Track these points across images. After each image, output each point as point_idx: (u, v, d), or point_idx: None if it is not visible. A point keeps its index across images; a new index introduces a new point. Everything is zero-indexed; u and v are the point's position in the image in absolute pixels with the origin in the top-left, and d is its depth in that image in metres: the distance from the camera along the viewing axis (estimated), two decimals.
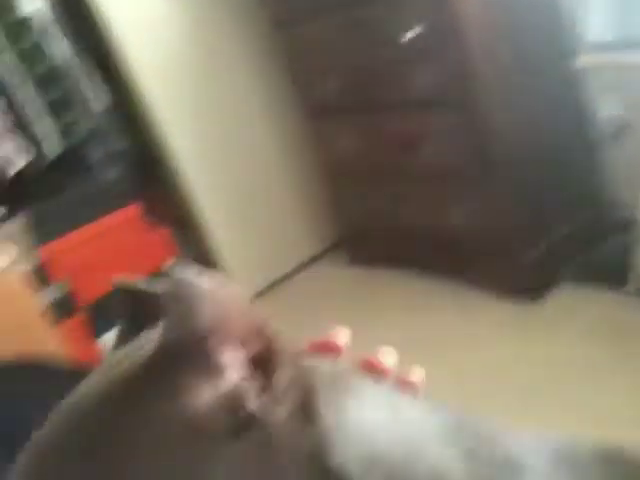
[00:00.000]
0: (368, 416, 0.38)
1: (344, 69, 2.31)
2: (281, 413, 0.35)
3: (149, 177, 2.80)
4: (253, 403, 0.35)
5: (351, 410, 0.37)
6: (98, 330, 2.53)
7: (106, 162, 2.63)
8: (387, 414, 0.39)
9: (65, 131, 2.50)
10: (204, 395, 0.34)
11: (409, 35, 1.98)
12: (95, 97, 2.56)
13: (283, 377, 0.36)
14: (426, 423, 0.40)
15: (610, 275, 2.03)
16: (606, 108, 2.19)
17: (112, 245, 2.55)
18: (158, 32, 2.53)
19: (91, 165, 2.61)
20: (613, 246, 2.11)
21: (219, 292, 0.34)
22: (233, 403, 0.34)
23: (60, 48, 2.44)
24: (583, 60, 1.95)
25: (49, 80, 2.45)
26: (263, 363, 0.36)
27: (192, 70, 2.62)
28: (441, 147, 2.10)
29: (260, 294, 2.82)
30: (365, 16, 2.13)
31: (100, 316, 2.56)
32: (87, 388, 0.36)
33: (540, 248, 2.09)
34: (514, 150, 2.04)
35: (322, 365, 0.40)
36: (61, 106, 2.49)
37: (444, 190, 2.20)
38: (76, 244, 2.44)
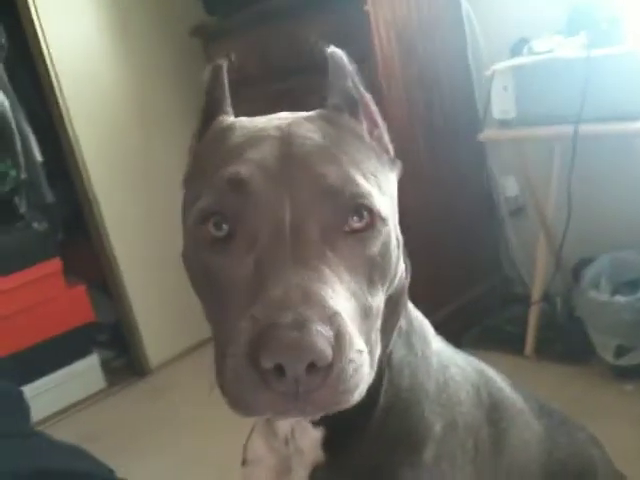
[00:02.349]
0: None
1: None
2: None
3: (74, 233, 2.79)
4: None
5: None
6: None
7: (33, 214, 2.61)
8: None
9: None
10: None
11: None
12: (30, 149, 2.57)
13: None
14: None
15: (508, 341, 2.10)
16: (505, 189, 2.31)
17: (28, 300, 2.48)
18: (101, 92, 2.62)
19: (18, 216, 2.59)
20: (510, 315, 2.20)
21: None
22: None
23: None
24: (486, 135, 2.05)
25: None
26: None
27: (128, 133, 2.69)
28: None
29: (177, 358, 2.78)
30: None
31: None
32: None
33: (442, 315, 2.11)
34: (422, 221, 2.10)
35: None
36: None
37: None
38: None
